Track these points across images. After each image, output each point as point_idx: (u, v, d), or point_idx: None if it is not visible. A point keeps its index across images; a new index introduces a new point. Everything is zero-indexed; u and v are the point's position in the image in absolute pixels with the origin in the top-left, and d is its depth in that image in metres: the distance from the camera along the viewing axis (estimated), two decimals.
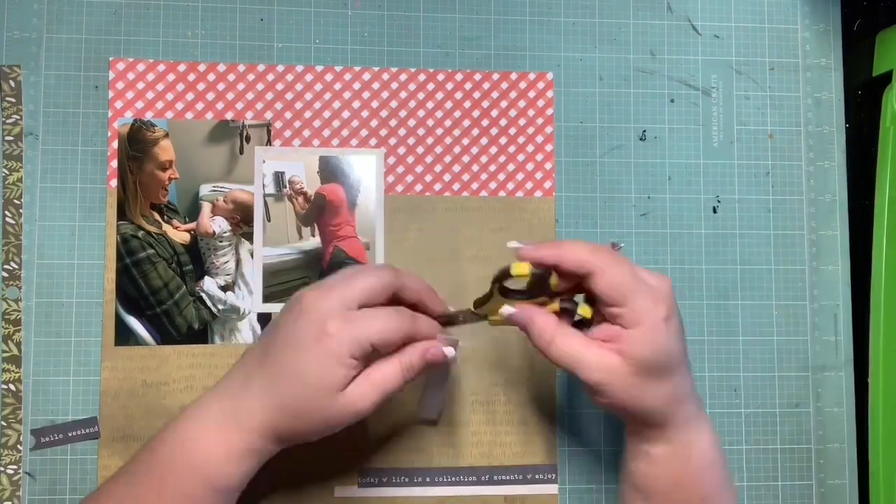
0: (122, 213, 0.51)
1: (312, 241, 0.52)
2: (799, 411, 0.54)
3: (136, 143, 0.51)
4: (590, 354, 0.41)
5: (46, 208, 0.51)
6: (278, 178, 0.52)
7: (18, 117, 0.51)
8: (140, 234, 0.51)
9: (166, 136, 0.51)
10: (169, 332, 0.50)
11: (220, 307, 0.51)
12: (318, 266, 0.52)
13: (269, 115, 0.52)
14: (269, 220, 0.51)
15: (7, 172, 0.51)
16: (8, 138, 0.51)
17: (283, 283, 0.51)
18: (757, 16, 0.56)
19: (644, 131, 0.54)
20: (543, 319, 0.42)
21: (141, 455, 0.42)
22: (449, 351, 0.43)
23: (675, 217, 0.54)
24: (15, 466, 0.49)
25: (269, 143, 0.52)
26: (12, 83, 0.51)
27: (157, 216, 0.51)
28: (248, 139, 0.52)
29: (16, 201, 0.50)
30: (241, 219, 0.51)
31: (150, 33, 0.52)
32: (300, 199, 0.52)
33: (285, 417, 0.40)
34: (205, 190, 0.51)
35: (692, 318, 0.53)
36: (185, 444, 0.41)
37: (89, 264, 0.51)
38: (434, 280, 0.51)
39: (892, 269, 0.51)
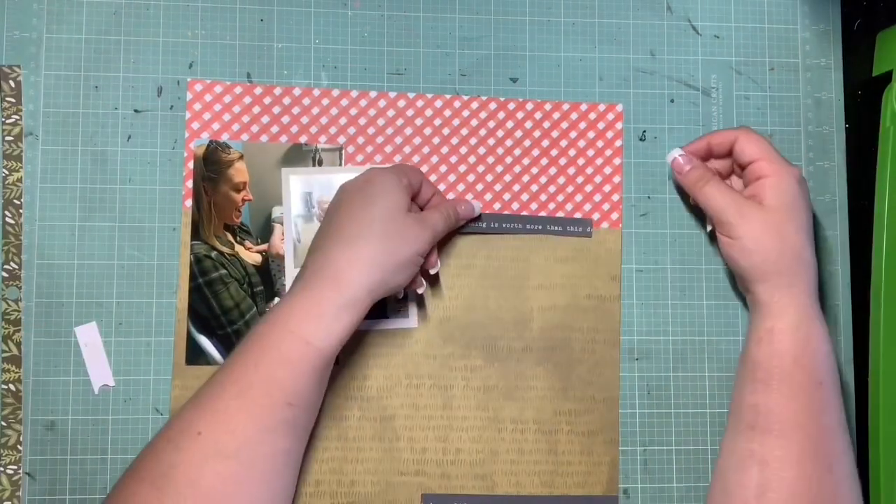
0: (195, 233, 0.51)
1: None
2: None
3: (212, 164, 0.51)
4: (733, 198, 0.48)
5: (46, 208, 0.51)
6: (306, 198, 0.52)
7: (18, 117, 0.51)
8: (213, 254, 0.51)
9: (241, 157, 0.51)
10: None
11: None
12: None
13: (342, 139, 0.52)
14: (299, 241, 0.51)
15: (7, 172, 0.51)
16: (8, 138, 0.51)
17: None
18: (757, 16, 0.56)
19: (644, 131, 0.54)
20: (702, 167, 0.50)
21: (243, 339, 0.44)
22: (477, 205, 0.51)
23: (675, 217, 0.54)
24: (15, 466, 0.49)
25: (341, 164, 0.52)
26: (12, 83, 0.51)
27: (230, 237, 0.51)
28: (320, 163, 0.52)
29: (16, 201, 0.50)
30: None
31: (150, 33, 0.52)
32: None
33: (386, 260, 0.44)
34: (277, 212, 0.51)
35: (692, 318, 0.53)
36: (281, 311, 0.43)
37: (89, 264, 0.51)
38: (499, 307, 0.52)
39: (892, 269, 0.51)
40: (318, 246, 0.45)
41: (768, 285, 0.47)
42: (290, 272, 0.51)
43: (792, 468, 0.44)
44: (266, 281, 0.51)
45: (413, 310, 0.52)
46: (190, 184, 0.51)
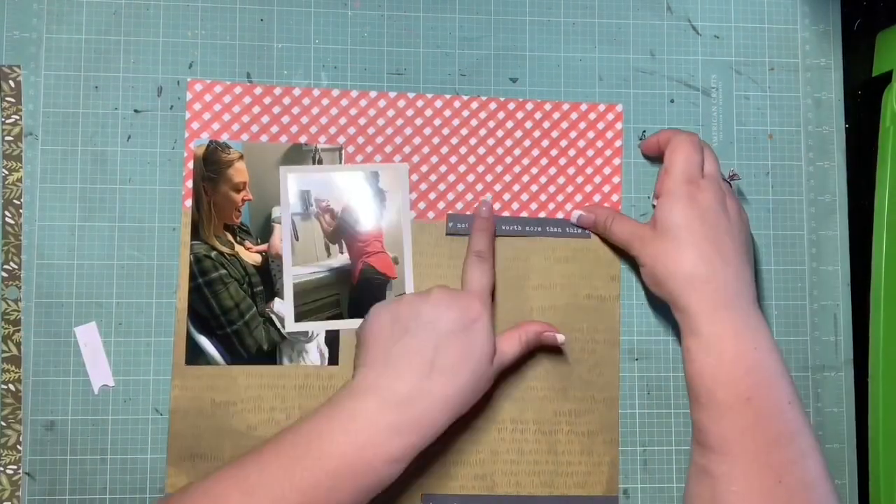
0: (195, 233, 0.51)
1: (341, 258, 0.52)
2: None
3: (212, 165, 0.51)
4: (633, 228, 0.50)
5: (46, 208, 0.51)
6: (304, 196, 0.52)
7: (18, 117, 0.51)
8: (213, 254, 0.51)
9: (241, 157, 0.51)
10: (238, 352, 0.50)
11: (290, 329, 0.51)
12: (348, 283, 0.52)
13: (341, 139, 0.52)
14: (297, 240, 0.51)
15: (7, 172, 0.51)
16: (8, 138, 0.51)
17: (314, 300, 0.51)
18: (757, 16, 0.56)
19: (644, 131, 0.54)
20: (604, 211, 0.52)
21: (277, 448, 0.43)
22: (560, 337, 0.50)
23: None
24: (15, 466, 0.49)
25: (340, 163, 0.52)
26: (12, 83, 0.51)
27: (229, 237, 0.51)
28: (320, 162, 0.52)
29: (16, 201, 0.50)
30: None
31: (150, 33, 0.52)
32: (327, 216, 0.52)
33: (462, 407, 0.45)
34: (277, 212, 0.51)
35: None
36: (359, 438, 0.42)
37: (89, 264, 0.51)
38: (499, 307, 0.52)
39: (892, 269, 0.51)
40: (412, 372, 0.44)
41: (675, 307, 0.47)
42: (289, 271, 0.51)
43: (738, 482, 0.43)
44: (266, 281, 0.51)
45: None
46: (190, 184, 0.51)
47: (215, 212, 0.51)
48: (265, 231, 0.51)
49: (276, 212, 0.51)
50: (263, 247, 0.51)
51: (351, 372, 0.47)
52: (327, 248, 0.52)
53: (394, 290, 0.52)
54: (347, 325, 0.51)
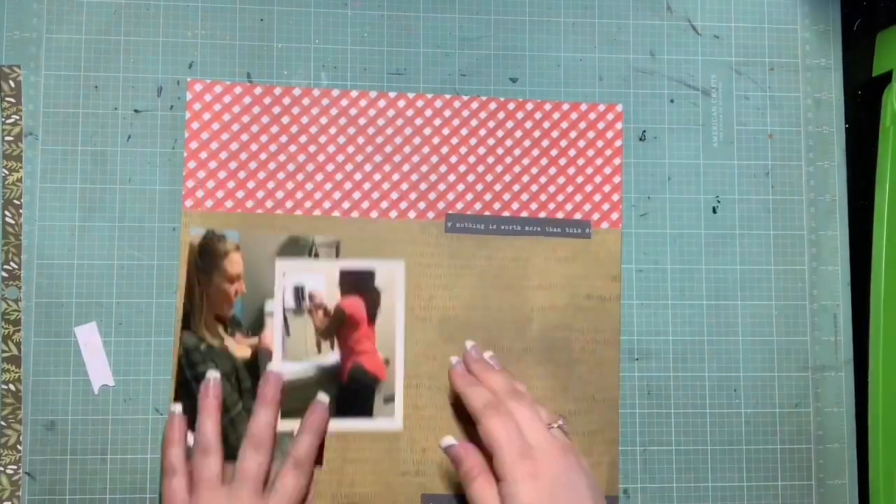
0: (186, 323, 0.50)
1: (331, 357, 0.51)
2: (799, 411, 0.54)
3: (207, 257, 0.50)
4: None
5: (46, 208, 0.51)
6: (298, 292, 0.51)
7: (18, 117, 0.51)
8: (202, 346, 0.50)
9: (237, 248, 0.51)
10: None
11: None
12: (337, 381, 0.50)
13: (342, 139, 0.52)
14: (288, 335, 0.51)
15: (7, 172, 0.51)
16: (8, 138, 0.51)
17: (301, 398, 0.50)
18: (757, 16, 0.56)
19: (644, 131, 0.54)
20: (473, 459, 0.45)
21: None
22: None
23: (675, 217, 0.54)
24: (15, 466, 0.49)
25: (337, 257, 0.51)
26: (12, 83, 0.51)
27: (220, 329, 0.50)
28: (316, 256, 0.51)
29: (16, 201, 0.50)
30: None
31: (150, 33, 0.52)
32: (320, 313, 0.51)
33: None
34: (270, 306, 0.51)
35: (692, 318, 0.53)
36: None
37: (89, 264, 0.51)
38: (499, 307, 0.52)
39: (892, 269, 0.51)
40: None
41: None
42: (278, 366, 0.50)
43: None
44: (254, 376, 0.50)
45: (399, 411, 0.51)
46: (190, 184, 0.51)
47: (207, 304, 0.50)
48: (257, 323, 0.51)
49: (269, 305, 0.51)
50: (254, 340, 0.50)
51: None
52: (318, 345, 0.51)
53: (382, 392, 0.51)
54: (333, 426, 0.50)
